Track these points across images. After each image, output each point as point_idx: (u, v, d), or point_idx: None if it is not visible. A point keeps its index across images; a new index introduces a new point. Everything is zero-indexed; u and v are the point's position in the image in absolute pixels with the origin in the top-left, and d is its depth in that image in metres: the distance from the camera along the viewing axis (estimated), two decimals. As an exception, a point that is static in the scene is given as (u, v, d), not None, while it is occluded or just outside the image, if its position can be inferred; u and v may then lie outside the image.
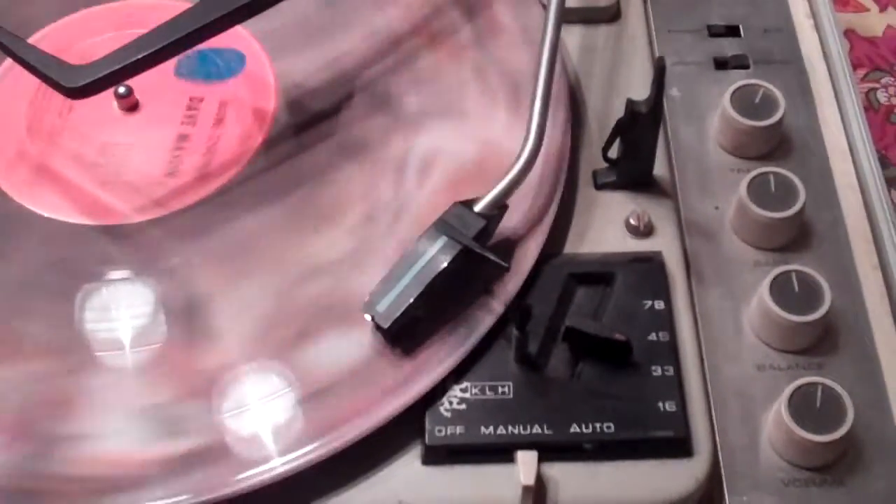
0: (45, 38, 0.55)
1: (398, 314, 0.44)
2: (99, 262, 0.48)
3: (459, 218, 0.46)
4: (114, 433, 0.44)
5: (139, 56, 0.46)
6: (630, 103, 0.48)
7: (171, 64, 0.50)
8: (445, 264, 0.45)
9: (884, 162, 0.66)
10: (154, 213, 0.49)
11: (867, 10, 0.72)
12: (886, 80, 0.69)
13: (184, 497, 0.42)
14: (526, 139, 0.47)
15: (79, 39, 0.55)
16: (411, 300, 0.44)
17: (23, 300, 0.47)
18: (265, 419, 0.44)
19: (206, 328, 0.46)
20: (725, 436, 0.46)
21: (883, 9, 0.72)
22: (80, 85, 0.45)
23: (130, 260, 0.48)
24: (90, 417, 0.44)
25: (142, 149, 0.51)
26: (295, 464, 0.43)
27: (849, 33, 0.71)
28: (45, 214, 0.50)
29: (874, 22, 0.72)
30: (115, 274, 0.48)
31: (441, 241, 0.45)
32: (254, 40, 0.54)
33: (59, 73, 0.45)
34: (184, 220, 0.49)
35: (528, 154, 0.47)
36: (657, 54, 0.56)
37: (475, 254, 0.45)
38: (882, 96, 0.69)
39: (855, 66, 0.70)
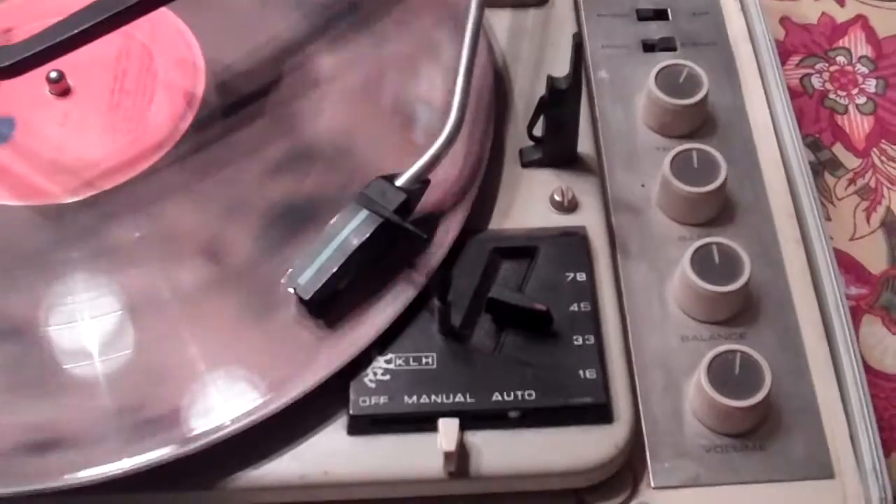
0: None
1: (319, 286, 0.45)
2: (36, 242, 0.49)
3: (380, 192, 0.46)
4: None
5: (67, 35, 0.46)
6: (550, 80, 0.49)
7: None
8: (366, 237, 0.45)
9: (818, 145, 0.67)
10: (86, 193, 0.50)
11: (802, -3, 0.74)
12: (820, 65, 0.70)
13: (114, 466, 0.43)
14: (448, 115, 0.48)
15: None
16: (332, 272, 0.45)
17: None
18: (188, 391, 0.44)
19: (139, 305, 0.47)
20: (648, 404, 0.47)
21: (818, -4, 0.74)
22: (7, 63, 0.46)
23: (65, 239, 0.49)
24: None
25: (75, 131, 0.52)
26: (219, 433, 0.43)
27: (784, 20, 0.72)
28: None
29: (809, 9, 0.73)
30: (52, 252, 0.49)
31: (362, 214, 0.46)
32: (182, 23, 0.55)
33: (-14, 53, 0.46)
34: (116, 199, 0.50)
35: (449, 130, 0.47)
36: (585, 37, 0.57)
37: (396, 226, 0.46)
38: (816, 81, 0.70)
39: (790, 52, 0.71)
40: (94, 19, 0.47)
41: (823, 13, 0.73)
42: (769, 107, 0.56)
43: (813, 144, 0.67)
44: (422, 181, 0.47)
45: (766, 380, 0.46)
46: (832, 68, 0.70)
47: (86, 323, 0.46)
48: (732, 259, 0.49)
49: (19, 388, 0.45)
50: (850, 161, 0.67)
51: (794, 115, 0.55)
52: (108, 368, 0.45)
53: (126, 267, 0.48)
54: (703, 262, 0.48)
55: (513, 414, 0.45)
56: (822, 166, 0.66)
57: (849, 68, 0.70)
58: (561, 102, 0.49)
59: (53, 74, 0.52)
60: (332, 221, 0.46)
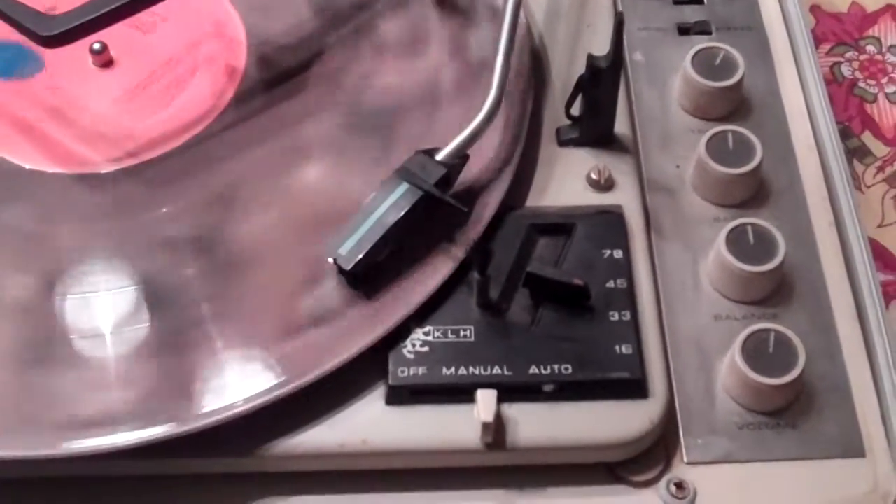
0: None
1: (360, 257, 0.45)
2: (77, 210, 0.49)
3: (421, 165, 0.47)
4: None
5: (113, 6, 0.47)
6: (591, 58, 0.49)
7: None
8: (406, 209, 0.46)
9: (847, 133, 0.67)
10: (127, 163, 0.50)
11: (833, -14, 0.74)
12: (850, 54, 0.71)
13: (150, 432, 0.43)
14: (488, 91, 0.48)
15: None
16: (373, 244, 0.45)
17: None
18: (230, 357, 0.45)
19: (175, 275, 0.47)
20: (682, 382, 0.48)
21: (849, -14, 0.74)
22: (54, 33, 0.46)
23: (106, 208, 0.50)
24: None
25: (115, 103, 0.53)
26: (259, 401, 0.44)
27: (814, 9, 0.73)
28: (25, 166, 0.51)
29: (840, -2, 0.73)
30: (93, 221, 0.49)
31: (402, 186, 0.46)
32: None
33: (33, 21, 0.46)
34: (157, 170, 0.50)
35: (489, 106, 0.48)
36: (621, 16, 0.58)
37: (436, 199, 0.46)
38: (846, 70, 0.70)
39: (820, 40, 0.71)
40: (139, -9, 0.47)
41: (853, 2, 0.73)
42: (803, 91, 0.56)
43: (842, 132, 0.67)
44: (461, 156, 0.48)
45: (801, 358, 0.46)
46: (862, 57, 0.71)
47: (125, 293, 0.47)
48: (767, 239, 0.49)
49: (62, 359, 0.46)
50: (879, 149, 0.67)
51: (828, 99, 0.55)
52: (149, 337, 0.46)
53: (166, 237, 0.48)
54: (738, 242, 0.49)
55: (548, 387, 0.45)
56: (852, 154, 0.66)
57: (878, 57, 0.71)
58: (600, 82, 0.49)
59: (96, 46, 0.52)
60: (373, 194, 0.47)
